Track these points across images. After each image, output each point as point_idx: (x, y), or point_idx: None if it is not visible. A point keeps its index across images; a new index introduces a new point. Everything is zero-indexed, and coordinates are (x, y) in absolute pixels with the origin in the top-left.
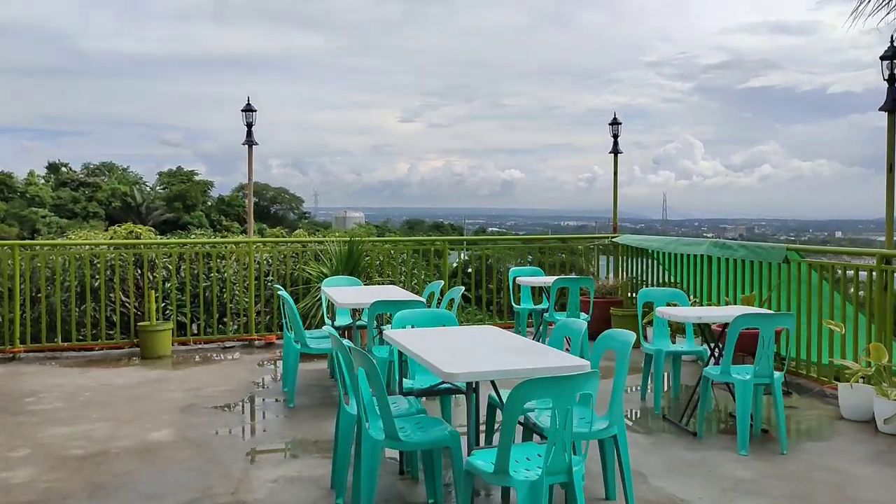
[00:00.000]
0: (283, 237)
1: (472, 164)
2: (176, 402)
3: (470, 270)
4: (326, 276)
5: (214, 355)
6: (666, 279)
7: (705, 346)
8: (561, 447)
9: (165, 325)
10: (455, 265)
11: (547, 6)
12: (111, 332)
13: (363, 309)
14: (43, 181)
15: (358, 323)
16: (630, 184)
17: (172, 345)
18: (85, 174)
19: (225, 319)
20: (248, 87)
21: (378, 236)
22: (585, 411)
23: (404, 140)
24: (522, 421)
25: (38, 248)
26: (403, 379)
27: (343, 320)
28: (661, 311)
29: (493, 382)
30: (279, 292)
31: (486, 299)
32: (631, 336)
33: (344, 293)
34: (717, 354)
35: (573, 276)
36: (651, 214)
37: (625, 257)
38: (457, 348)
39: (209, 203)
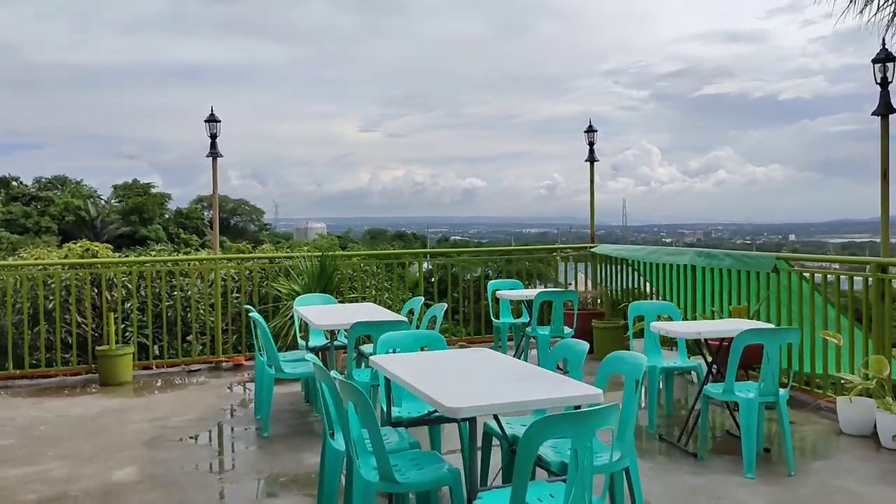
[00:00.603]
0: (250, 252)
1: (433, 172)
2: (139, 434)
3: (433, 279)
4: (298, 294)
5: (179, 380)
6: (646, 289)
7: (700, 361)
8: (581, 489)
9: (125, 349)
10: (417, 275)
11: (505, 16)
12: (67, 356)
13: (338, 330)
14: None
15: (335, 343)
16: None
17: (134, 369)
18: (37, 188)
19: (189, 338)
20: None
21: (341, 247)
22: (597, 443)
23: (365, 150)
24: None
25: None
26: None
27: (317, 340)
28: (658, 326)
29: (495, 415)
30: (251, 314)
31: (451, 309)
32: (642, 359)
33: (319, 313)
34: (714, 371)
35: (554, 288)
36: (611, 221)
37: (603, 266)
38: (453, 376)
39: (167, 216)
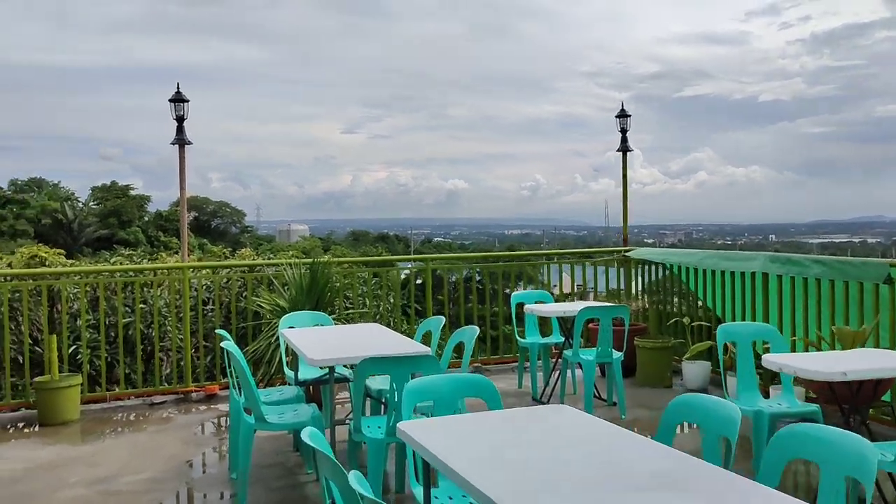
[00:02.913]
0: (227, 259)
1: (416, 174)
2: None
3: (421, 282)
4: (283, 310)
5: (139, 417)
6: (689, 300)
7: (814, 405)
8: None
9: (71, 380)
10: (405, 276)
11: (486, 17)
12: None
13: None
14: None
15: (325, 375)
16: (572, 192)
17: (83, 403)
18: (12, 191)
19: (154, 360)
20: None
21: (324, 249)
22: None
23: (347, 151)
24: None
25: None
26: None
27: (310, 371)
28: (780, 363)
29: None
30: (223, 343)
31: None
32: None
33: (313, 340)
34: (854, 421)
35: (605, 303)
36: (593, 221)
37: (641, 272)
38: (545, 470)
39: (146, 218)
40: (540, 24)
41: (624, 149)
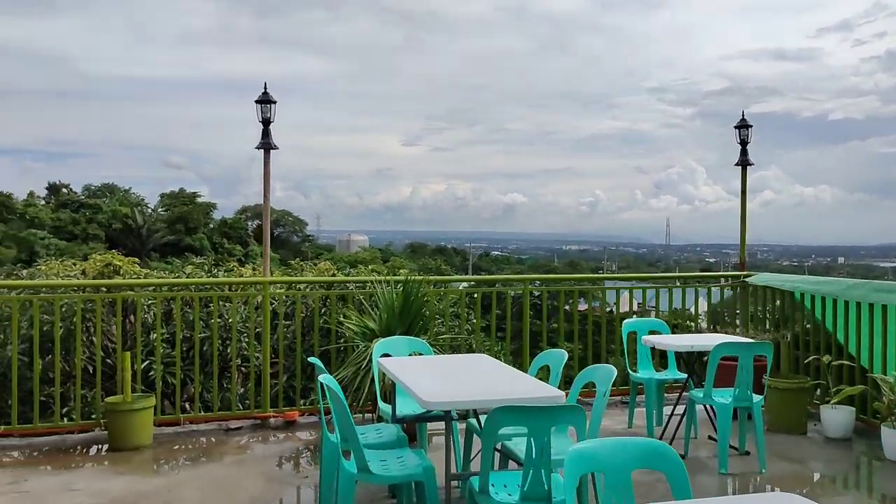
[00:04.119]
0: (308, 273)
1: (474, 187)
2: None
3: (476, 295)
4: (373, 333)
5: (214, 444)
6: (821, 334)
7: None
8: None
9: (145, 402)
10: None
11: (548, 32)
12: (70, 406)
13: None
14: (43, 202)
15: (431, 412)
16: (631, 208)
17: (156, 426)
18: (86, 196)
19: (229, 380)
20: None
21: (383, 261)
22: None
23: (407, 164)
24: None
25: None
26: None
27: (409, 406)
28: None
29: None
30: (322, 377)
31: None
32: None
33: (420, 374)
34: None
35: (750, 339)
36: (653, 239)
37: (762, 299)
38: None
39: (211, 225)
40: (602, 39)
41: (744, 162)
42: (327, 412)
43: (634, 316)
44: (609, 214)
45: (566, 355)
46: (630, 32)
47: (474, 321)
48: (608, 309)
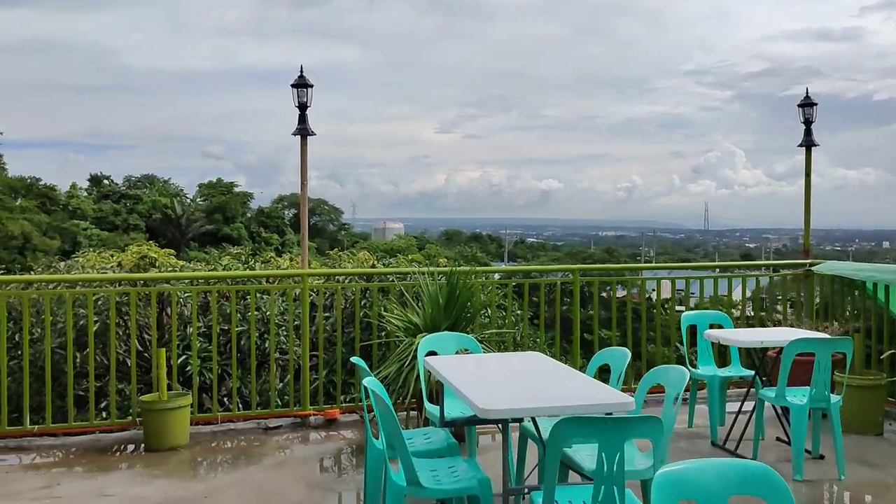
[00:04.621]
0: (346, 263)
1: (509, 174)
2: None
3: (522, 286)
4: (417, 328)
5: (252, 444)
6: (894, 327)
7: None
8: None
9: (181, 401)
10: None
11: (584, 17)
12: (104, 404)
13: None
14: (85, 194)
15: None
16: (669, 193)
17: (192, 424)
18: (126, 187)
19: (267, 375)
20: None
21: (418, 248)
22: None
23: (441, 151)
24: None
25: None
26: None
27: (457, 407)
28: None
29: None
30: (366, 381)
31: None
32: None
33: (471, 376)
34: None
35: (820, 333)
36: (690, 224)
37: (828, 290)
38: None
39: (249, 215)
40: (640, 23)
41: (808, 143)
42: (369, 409)
43: (682, 307)
44: (646, 200)
45: (629, 354)
46: (668, 15)
47: (519, 312)
48: (648, 296)
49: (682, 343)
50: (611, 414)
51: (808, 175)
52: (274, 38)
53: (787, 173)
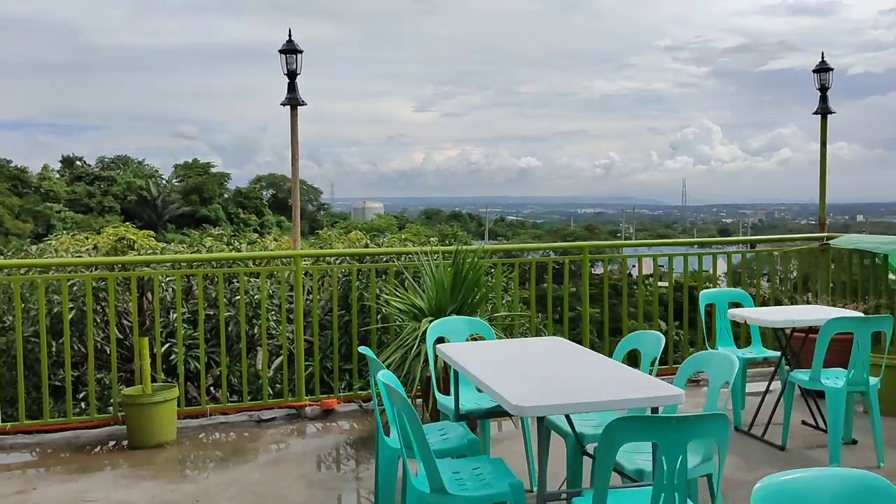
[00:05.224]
0: (338, 244)
1: (487, 152)
2: None
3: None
4: (421, 312)
5: (245, 439)
6: None
7: None
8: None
9: (166, 394)
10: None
11: None
12: (82, 396)
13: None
14: (58, 176)
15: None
16: (646, 170)
17: (179, 417)
18: (100, 168)
19: (259, 364)
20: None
21: (398, 227)
22: None
23: (419, 130)
24: None
25: None
26: None
27: (472, 400)
28: None
29: None
30: (380, 375)
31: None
32: None
33: (492, 365)
34: None
35: (862, 312)
36: (668, 200)
37: (846, 264)
38: None
39: (226, 196)
40: None
41: (823, 110)
42: (376, 399)
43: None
44: (624, 176)
45: (663, 339)
46: None
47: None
48: (628, 272)
49: (702, 323)
50: (658, 408)
51: (823, 144)
52: (247, 14)
53: (763, 148)
